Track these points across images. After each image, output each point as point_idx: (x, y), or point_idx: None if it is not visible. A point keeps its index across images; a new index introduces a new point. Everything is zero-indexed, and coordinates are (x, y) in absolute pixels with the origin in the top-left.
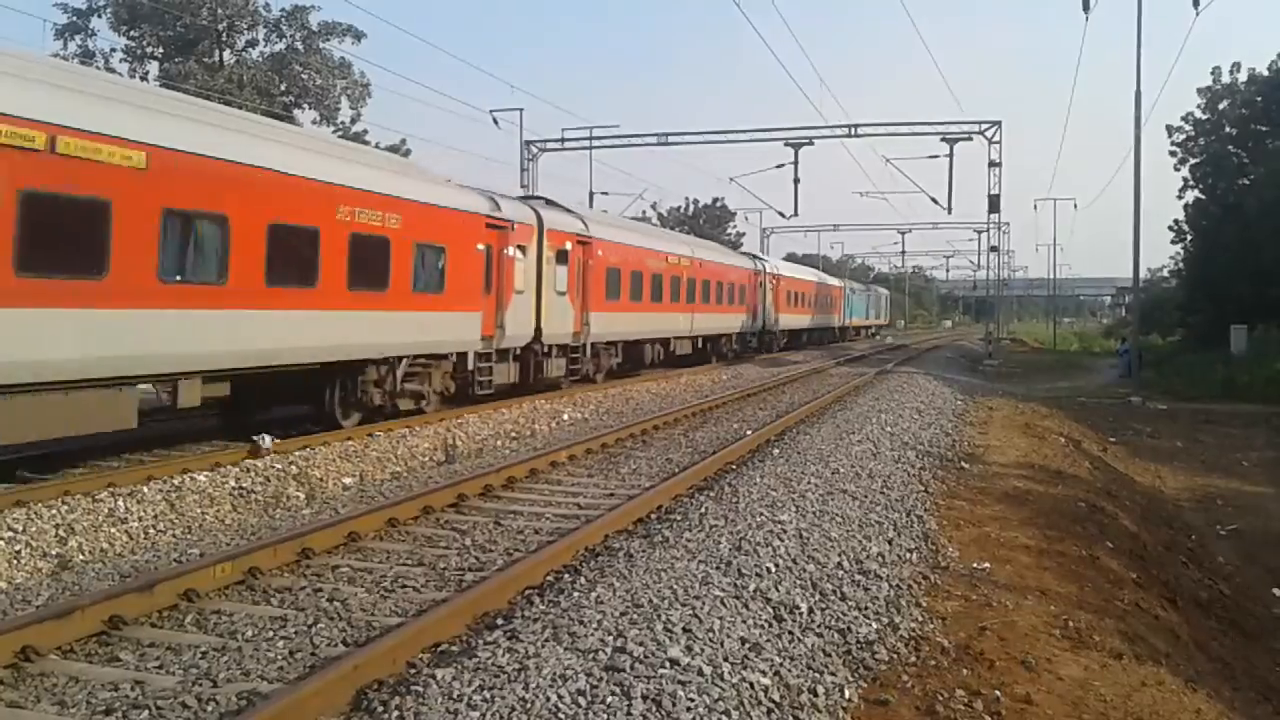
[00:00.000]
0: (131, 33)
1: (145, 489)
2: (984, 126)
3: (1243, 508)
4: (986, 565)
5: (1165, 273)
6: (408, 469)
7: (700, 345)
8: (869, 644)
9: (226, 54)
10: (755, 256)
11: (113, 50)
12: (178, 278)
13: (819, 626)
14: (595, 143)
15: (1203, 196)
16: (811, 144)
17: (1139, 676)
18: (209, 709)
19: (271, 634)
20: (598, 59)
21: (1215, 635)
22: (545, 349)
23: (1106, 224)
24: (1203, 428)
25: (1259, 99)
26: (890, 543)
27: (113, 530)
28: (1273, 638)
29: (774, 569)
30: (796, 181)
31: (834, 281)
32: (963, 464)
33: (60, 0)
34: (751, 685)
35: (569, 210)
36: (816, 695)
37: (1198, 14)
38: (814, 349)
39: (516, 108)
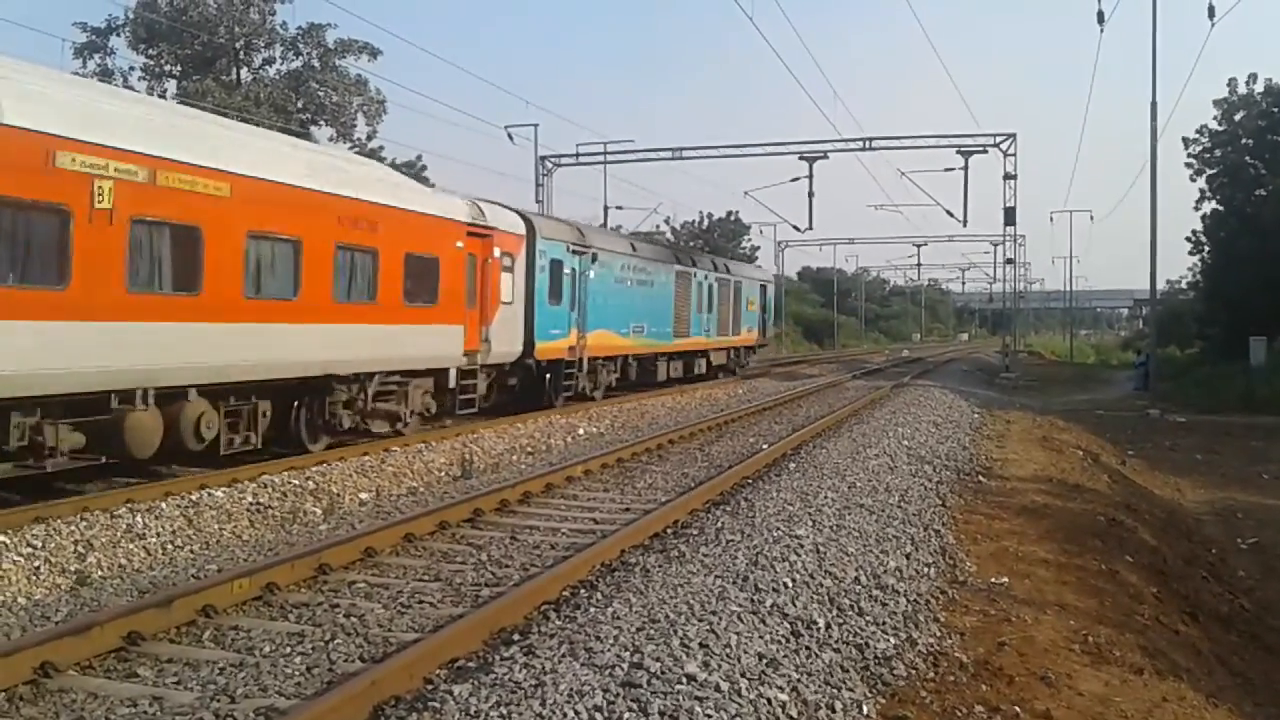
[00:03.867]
0: (150, 51)
1: (163, 504)
2: (999, 139)
3: (1263, 521)
4: (1005, 580)
5: (1183, 284)
6: (424, 484)
7: None
8: (887, 659)
9: (244, 72)
10: None
11: (131, 69)
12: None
13: (836, 642)
14: (609, 157)
15: (1220, 208)
16: (826, 157)
17: (1160, 692)
18: None
19: (289, 650)
20: (612, 75)
21: (1237, 650)
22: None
23: (1123, 236)
24: (1222, 440)
25: (1276, 110)
26: (908, 557)
27: (131, 546)
28: None
29: (791, 584)
30: (811, 195)
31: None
32: (980, 478)
33: (80, 20)
34: (769, 701)
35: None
36: (834, 712)
37: (1213, 25)
38: None
39: (531, 123)
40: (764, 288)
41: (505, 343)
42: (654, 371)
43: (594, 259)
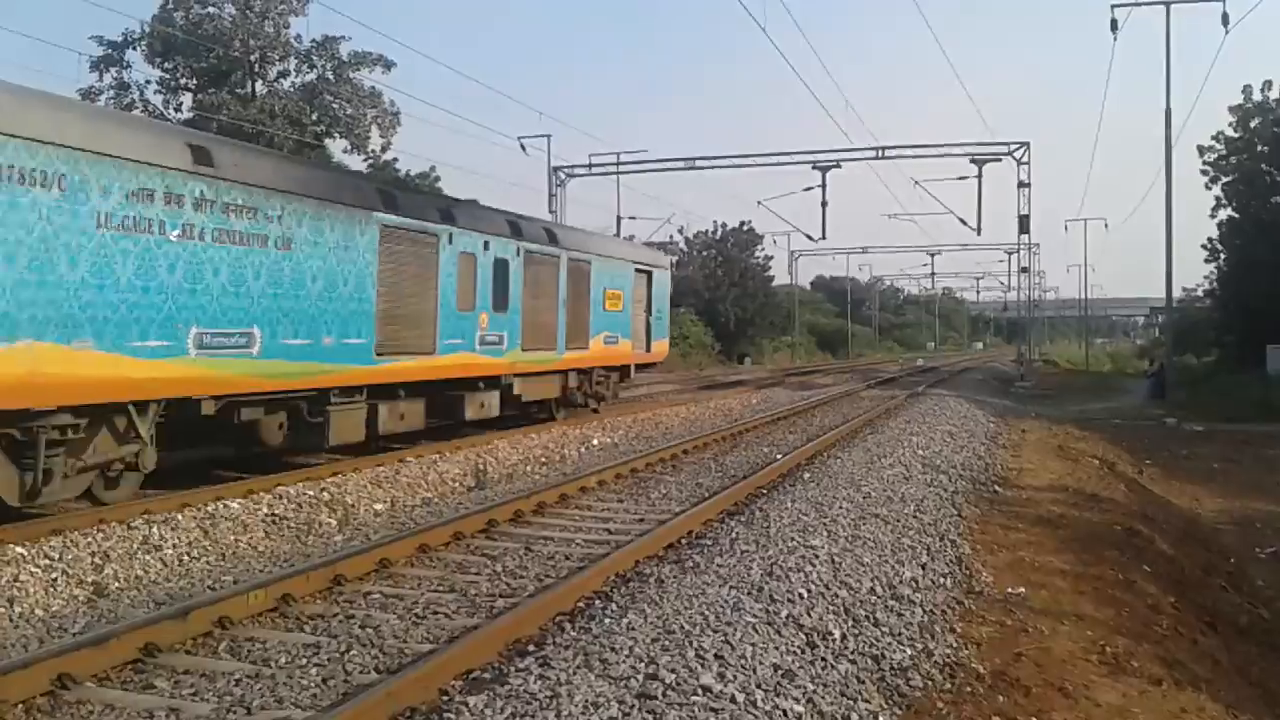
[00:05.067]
0: (165, 65)
1: (179, 516)
2: (1013, 147)
3: None
4: (1021, 590)
5: (1199, 292)
6: (439, 495)
7: None
8: (903, 671)
9: (258, 85)
10: None
11: (147, 82)
12: None
13: (852, 653)
14: (622, 168)
15: (1235, 215)
16: (839, 167)
17: (1179, 703)
18: None
19: (304, 661)
20: (625, 86)
21: (1256, 660)
22: None
23: (1138, 244)
24: (1240, 449)
25: None
26: (923, 567)
27: (148, 558)
28: None
29: (806, 595)
30: (824, 204)
31: None
32: (996, 487)
33: (96, 33)
34: (785, 713)
35: None
36: None
37: (1227, 32)
38: None
39: (544, 134)
40: (647, 275)
41: None
42: (320, 427)
43: None
